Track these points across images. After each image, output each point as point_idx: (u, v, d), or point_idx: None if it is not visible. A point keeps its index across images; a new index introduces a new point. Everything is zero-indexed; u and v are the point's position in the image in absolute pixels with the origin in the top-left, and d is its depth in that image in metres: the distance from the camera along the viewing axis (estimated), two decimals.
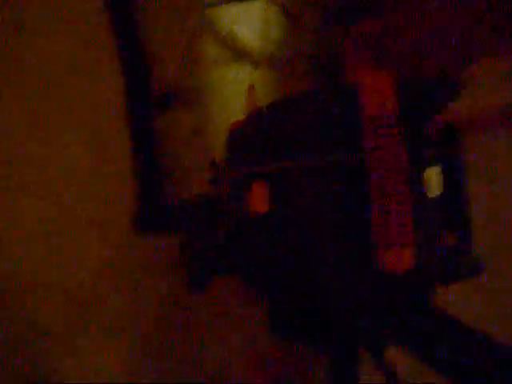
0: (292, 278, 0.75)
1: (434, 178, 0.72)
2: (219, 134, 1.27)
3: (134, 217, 1.14)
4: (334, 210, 0.72)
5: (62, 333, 1.23)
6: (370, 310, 0.73)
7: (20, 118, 1.31)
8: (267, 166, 0.75)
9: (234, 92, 1.28)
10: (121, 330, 1.22)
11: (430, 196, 0.71)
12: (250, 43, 1.26)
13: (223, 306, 1.18)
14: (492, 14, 0.80)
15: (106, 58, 1.31)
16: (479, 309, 1.15)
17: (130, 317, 1.22)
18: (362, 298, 0.73)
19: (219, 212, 0.85)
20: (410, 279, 0.69)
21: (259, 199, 0.74)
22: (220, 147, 1.23)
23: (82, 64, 1.32)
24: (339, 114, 0.72)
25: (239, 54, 1.27)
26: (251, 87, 0.91)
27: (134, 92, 1.28)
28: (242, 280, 0.88)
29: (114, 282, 1.23)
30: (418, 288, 0.74)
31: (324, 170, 0.72)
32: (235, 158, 0.82)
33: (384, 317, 0.74)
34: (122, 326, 1.23)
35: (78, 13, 1.33)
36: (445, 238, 0.71)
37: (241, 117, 0.89)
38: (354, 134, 0.71)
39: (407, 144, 0.70)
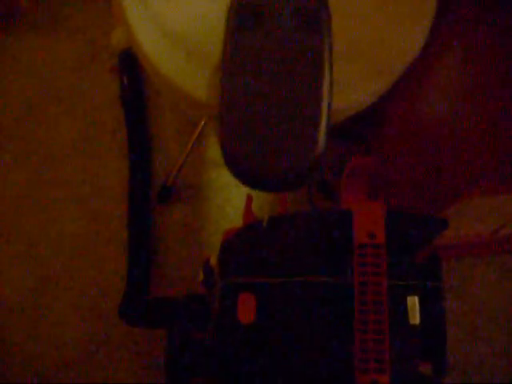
0: None
1: (415, 306, 0.75)
2: (210, 233, 1.32)
3: (122, 307, 1.15)
4: (316, 327, 0.75)
5: None
6: None
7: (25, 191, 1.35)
8: (256, 278, 0.79)
9: (229, 195, 1.33)
10: None
11: (411, 323, 0.74)
12: None
13: None
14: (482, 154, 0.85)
15: (116, 145, 1.37)
16: None
17: None
18: None
19: (207, 314, 0.86)
20: None
21: (245, 310, 0.77)
22: (211, 248, 1.26)
23: (91, 148, 1.38)
24: (331, 238, 0.77)
25: None
26: (249, 198, 0.95)
27: (137, 181, 1.32)
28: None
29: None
30: None
31: (310, 289, 0.76)
32: (227, 264, 0.85)
33: None
34: None
35: (93, 102, 1.41)
36: (420, 367, 0.74)
37: (235, 224, 0.92)
38: (342, 258, 0.75)
39: (392, 272, 0.74)
